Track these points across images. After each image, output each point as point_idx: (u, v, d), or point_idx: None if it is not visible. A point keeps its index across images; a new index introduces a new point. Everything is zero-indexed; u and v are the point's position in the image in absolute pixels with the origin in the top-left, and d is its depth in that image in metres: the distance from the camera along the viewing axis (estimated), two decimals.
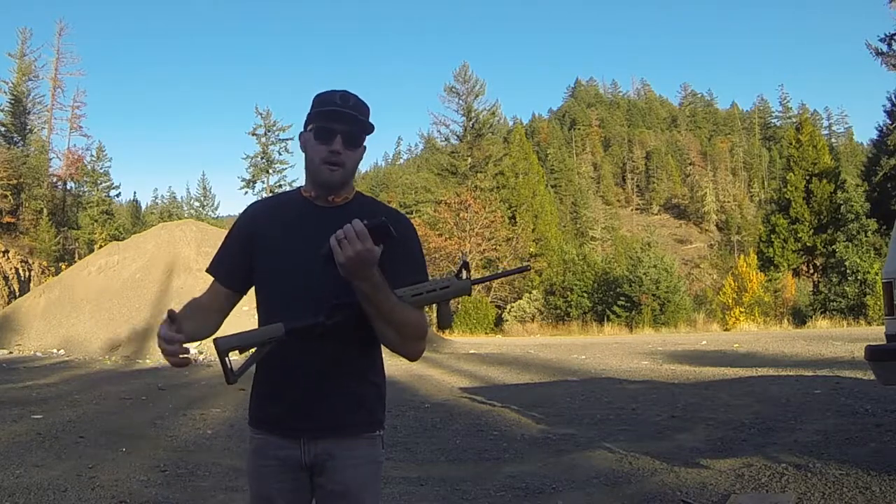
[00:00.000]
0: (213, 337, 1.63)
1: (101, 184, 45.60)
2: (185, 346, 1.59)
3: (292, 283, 1.62)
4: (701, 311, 32.69)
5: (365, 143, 1.71)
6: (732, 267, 36.61)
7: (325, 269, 1.53)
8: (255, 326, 1.64)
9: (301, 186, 1.77)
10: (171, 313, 1.57)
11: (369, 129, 1.68)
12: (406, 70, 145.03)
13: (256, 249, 1.69)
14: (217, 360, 1.73)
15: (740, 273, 30.80)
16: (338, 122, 1.63)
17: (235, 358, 1.61)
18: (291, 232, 1.66)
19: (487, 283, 1.79)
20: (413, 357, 1.67)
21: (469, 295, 1.68)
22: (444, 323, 1.63)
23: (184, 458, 5.28)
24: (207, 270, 1.79)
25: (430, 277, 1.69)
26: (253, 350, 1.58)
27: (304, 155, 1.70)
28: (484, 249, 36.51)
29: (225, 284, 1.75)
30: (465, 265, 1.63)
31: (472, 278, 1.61)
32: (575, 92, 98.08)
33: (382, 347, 1.69)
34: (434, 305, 1.63)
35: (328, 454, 1.63)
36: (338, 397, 1.63)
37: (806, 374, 9.87)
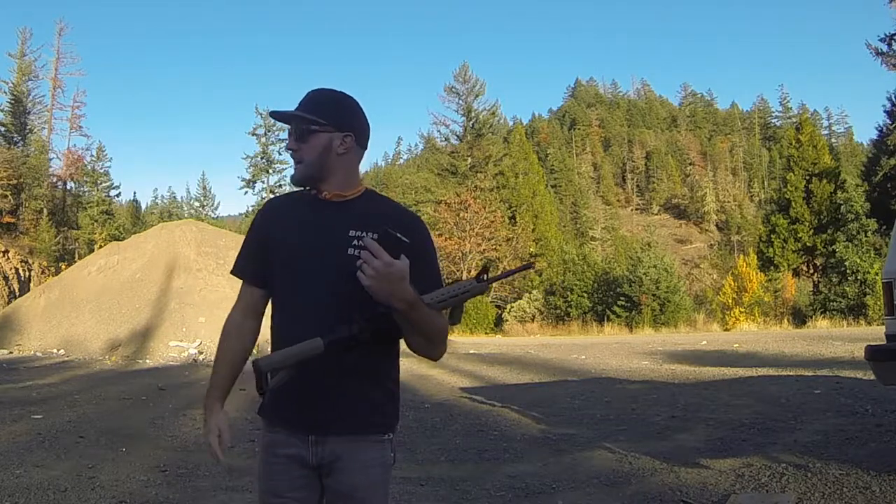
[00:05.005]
0: (252, 358, 1.62)
1: (101, 184, 45.57)
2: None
3: (304, 270, 1.64)
4: (701, 311, 32.63)
5: (331, 134, 1.68)
6: (732, 267, 36.53)
7: (336, 263, 1.57)
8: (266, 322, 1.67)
9: None
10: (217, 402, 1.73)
11: (308, 117, 1.68)
12: (406, 70, 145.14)
13: (272, 246, 1.71)
14: None
15: (740, 273, 30.74)
16: (289, 123, 1.72)
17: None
18: (302, 227, 1.68)
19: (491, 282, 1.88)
20: (437, 358, 1.71)
21: (484, 294, 1.73)
22: (456, 320, 1.66)
23: (184, 458, 5.27)
24: (233, 273, 1.81)
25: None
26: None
27: None
28: (484, 249, 36.42)
29: (256, 284, 1.76)
30: (486, 269, 1.65)
31: (488, 280, 1.64)
32: (575, 92, 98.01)
33: (400, 350, 1.71)
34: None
35: (335, 455, 1.62)
36: (349, 398, 1.62)
37: (806, 374, 9.86)
